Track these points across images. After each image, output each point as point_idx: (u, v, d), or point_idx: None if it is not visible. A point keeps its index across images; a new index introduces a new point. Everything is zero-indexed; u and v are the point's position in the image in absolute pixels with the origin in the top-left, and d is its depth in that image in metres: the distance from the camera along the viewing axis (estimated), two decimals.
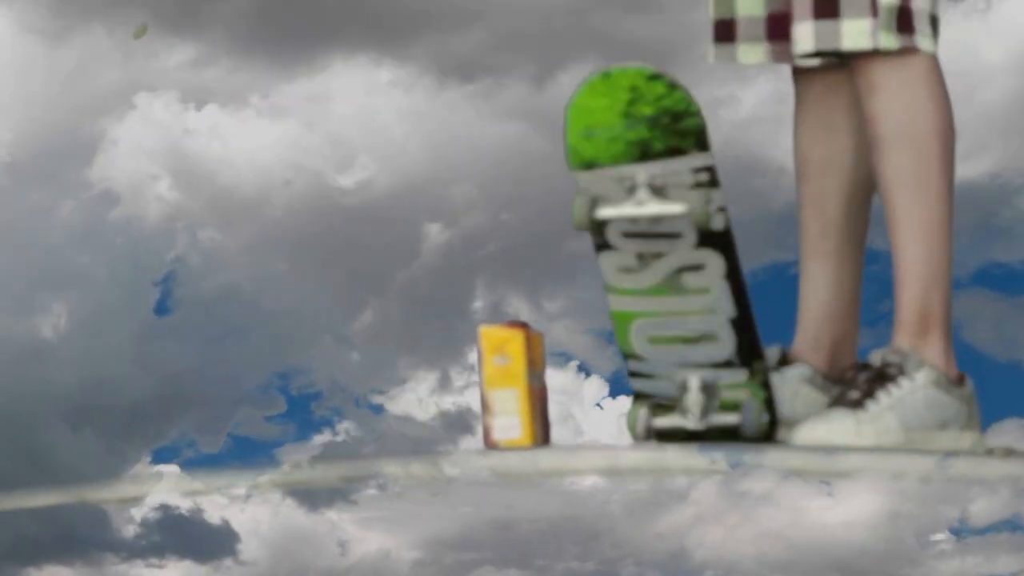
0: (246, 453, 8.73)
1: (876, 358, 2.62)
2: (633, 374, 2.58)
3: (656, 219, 2.41)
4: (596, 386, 8.61)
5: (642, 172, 2.37)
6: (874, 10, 2.52)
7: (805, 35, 2.57)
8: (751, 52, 2.66)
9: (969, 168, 7.81)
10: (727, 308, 2.47)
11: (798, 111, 2.75)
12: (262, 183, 8.98)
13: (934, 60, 2.59)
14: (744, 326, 2.49)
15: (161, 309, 8.94)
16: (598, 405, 8.51)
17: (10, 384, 8.35)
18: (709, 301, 2.48)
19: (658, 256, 2.45)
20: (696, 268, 2.45)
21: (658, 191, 2.40)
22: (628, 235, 2.42)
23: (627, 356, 2.57)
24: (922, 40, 2.58)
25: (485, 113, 8.69)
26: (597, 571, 7.79)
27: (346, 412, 8.87)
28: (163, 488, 2.60)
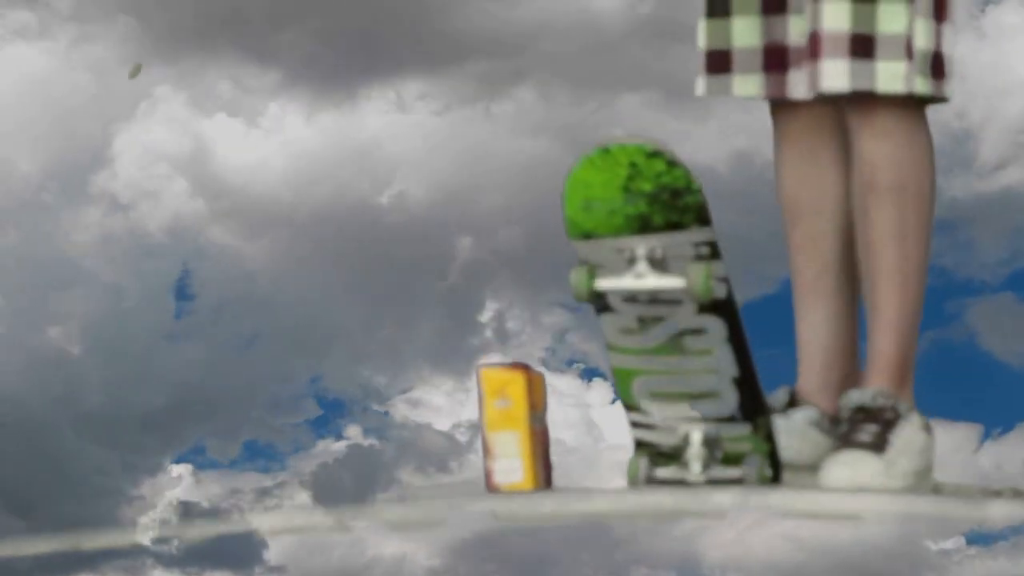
0: (263, 459, 8.85)
1: (866, 399, 2.60)
2: (634, 424, 2.55)
3: (656, 292, 2.36)
4: (603, 389, 8.73)
5: (641, 245, 2.32)
6: (909, 53, 2.46)
7: (838, 72, 2.50)
8: (747, 84, 2.59)
9: (1004, 176, 7.92)
10: (729, 368, 2.44)
11: (781, 150, 2.68)
12: (291, 193, 9.04)
13: (924, 108, 2.56)
14: (747, 384, 2.46)
15: (180, 316, 8.99)
16: (607, 407, 8.68)
17: (32, 392, 8.46)
18: (711, 362, 2.45)
19: (659, 320, 2.42)
20: (697, 332, 2.42)
21: (657, 264, 2.35)
22: (628, 300, 2.40)
23: (628, 408, 2.54)
24: (948, 86, 2.53)
25: (516, 131, 8.77)
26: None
27: (364, 420, 8.94)
28: (153, 532, 2.58)
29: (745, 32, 2.58)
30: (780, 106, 2.65)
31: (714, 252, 2.36)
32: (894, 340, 2.56)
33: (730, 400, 2.48)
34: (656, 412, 2.52)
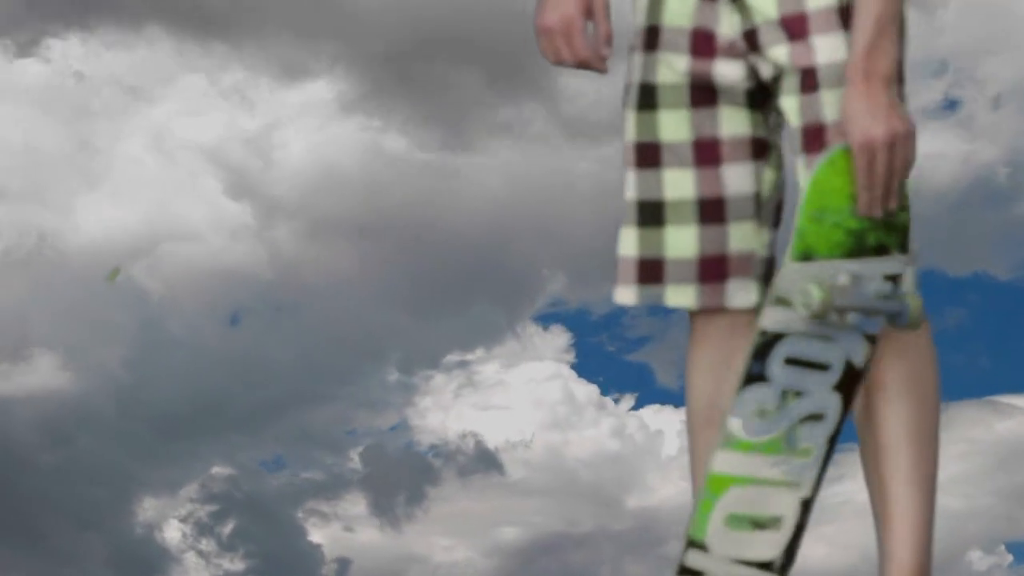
0: (317, 466, 9.04)
1: None
2: (684, 571, 2.24)
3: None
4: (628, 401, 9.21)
5: (842, 273, 2.11)
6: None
7: None
8: (680, 294, 2.37)
9: None
10: (807, 485, 2.25)
11: (697, 354, 2.45)
12: (356, 203, 9.27)
13: None
14: (806, 513, 2.26)
15: (234, 322, 9.27)
16: (630, 411, 9.15)
17: (86, 403, 8.75)
18: (799, 470, 2.23)
19: (798, 395, 2.20)
20: (816, 418, 2.21)
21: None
22: (790, 362, 2.18)
23: (690, 545, 2.22)
24: None
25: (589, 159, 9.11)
26: None
27: (416, 432, 9.15)
28: None
29: (680, 243, 2.39)
30: (699, 312, 2.46)
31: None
32: (916, 548, 2.35)
33: (786, 534, 2.23)
34: (718, 549, 2.23)
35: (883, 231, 2.11)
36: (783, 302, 2.10)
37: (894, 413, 2.34)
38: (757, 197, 2.32)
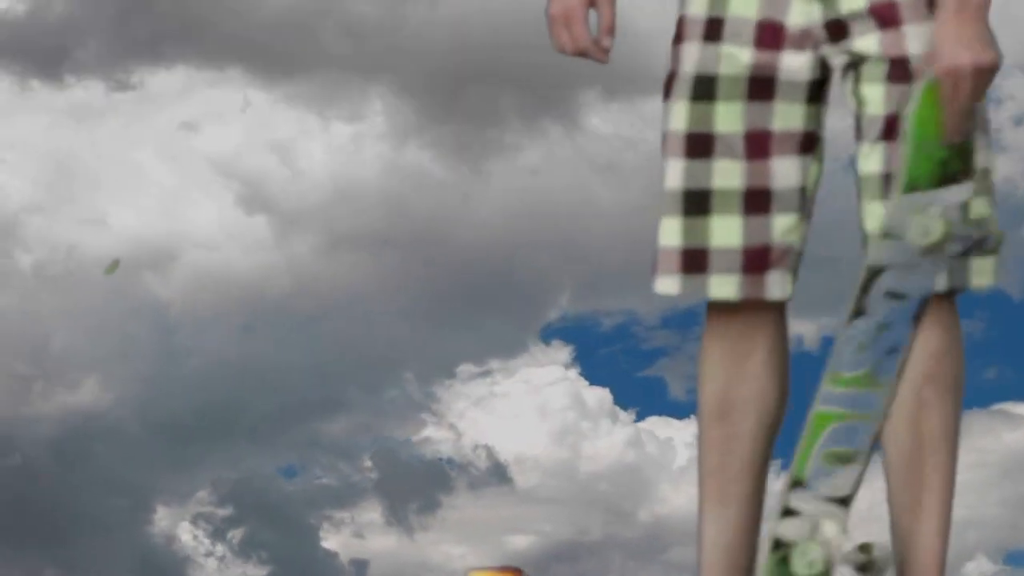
0: (331, 473, 9.03)
1: None
2: (787, 512, 2.29)
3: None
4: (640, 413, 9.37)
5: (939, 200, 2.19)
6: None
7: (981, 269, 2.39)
8: (723, 285, 2.39)
9: None
10: (878, 414, 2.28)
11: (710, 347, 2.48)
12: (374, 217, 9.38)
13: None
14: (874, 446, 2.31)
15: (249, 331, 9.35)
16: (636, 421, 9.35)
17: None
18: (878, 402, 2.28)
19: (885, 327, 2.23)
20: (894, 350, 2.25)
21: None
22: (888, 295, 2.21)
23: (794, 484, 2.28)
24: None
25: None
26: None
27: (431, 443, 9.23)
28: None
29: (725, 232, 2.40)
30: (718, 305, 2.47)
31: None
32: (942, 547, 2.41)
33: (860, 466, 2.28)
34: (816, 484, 2.29)
35: (958, 158, 2.17)
36: (894, 235, 2.16)
37: (943, 409, 2.38)
38: (803, 191, 2.35)
